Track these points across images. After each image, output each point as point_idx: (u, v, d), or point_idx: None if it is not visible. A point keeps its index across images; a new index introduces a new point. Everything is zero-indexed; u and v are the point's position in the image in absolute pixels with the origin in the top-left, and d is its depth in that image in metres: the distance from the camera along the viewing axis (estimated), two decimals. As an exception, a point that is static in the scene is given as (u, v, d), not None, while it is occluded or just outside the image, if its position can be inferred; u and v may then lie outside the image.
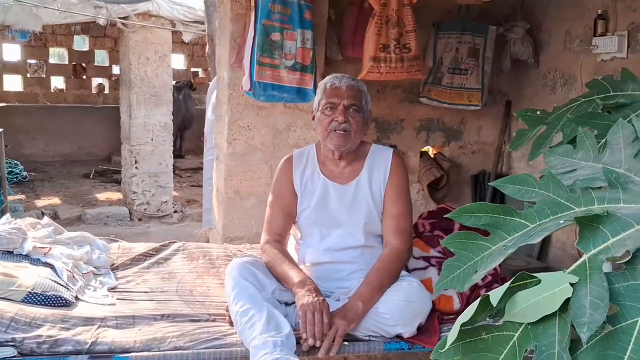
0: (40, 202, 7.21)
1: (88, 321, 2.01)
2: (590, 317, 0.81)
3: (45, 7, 5.53)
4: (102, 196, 7.85)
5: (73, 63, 12.08)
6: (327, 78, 2.34)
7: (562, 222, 0.96)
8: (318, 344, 1.94)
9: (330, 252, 2.28)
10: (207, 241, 4.06)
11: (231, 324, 2.11)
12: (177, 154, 9.57)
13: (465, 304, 2.27)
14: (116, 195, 7.80)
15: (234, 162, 3.50)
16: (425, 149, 4.30)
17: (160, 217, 7.15)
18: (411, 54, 3.34)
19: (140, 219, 7.00)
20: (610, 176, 0.98)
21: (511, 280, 0.91)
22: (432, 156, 4.29)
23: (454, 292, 2.32)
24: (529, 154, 4.17)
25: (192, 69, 13.22)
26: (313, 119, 2.37)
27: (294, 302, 2.23)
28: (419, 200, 4.17)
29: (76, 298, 2.18)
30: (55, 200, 7.41)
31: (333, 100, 2.25)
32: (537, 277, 0.90)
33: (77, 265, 2.38)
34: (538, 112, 1.62)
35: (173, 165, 7.54)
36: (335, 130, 2.23)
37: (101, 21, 6.21)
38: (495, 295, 0.90)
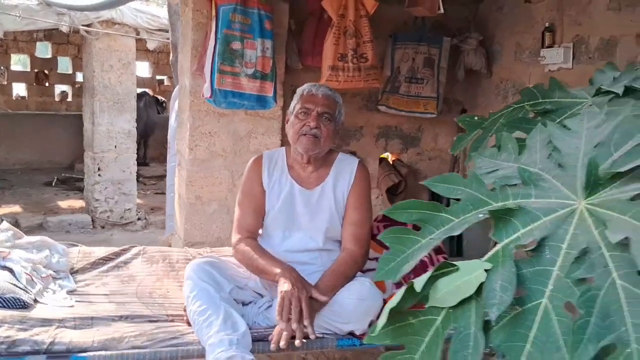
0: (1, 210, 7.11)
1: (46, 322, 2.04)
2: (500, 298, 0.91)
3: (6, 13, 5.49)
4: (64, 204, 7.77)
5: (35, 70, 11.92)
6: (305, 85, 2.43)
7: (480, 215, 1.06)
8: (294, 327, 1.99)
9: (289, 253, 2.34)
10: (169, 246, 4.09)
11: (189, 324, 2.17)
12: (141, 162, 9.54)
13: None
14: (79, 203, 7.73)
15: (195, 168, 3.55)
16: (384, 155, 4.42)
17: (124, 224, 7.12)
18: (368, 63, 3.46)
19: (103, 227, 6.96)
20: (524, 175, 1.08)
21: (434, 268, 1.00)
22: (390, 162, 4.41)
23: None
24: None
25: (158, 77, 13.17)
26: (287, 122, 2.45)
27: (250, 302, 2.31)
28: (378, 205, 4.28)
29: (35, 301, 2.21)
30: (16, 208, 7.32)
31: (308, 106, 2.33)
32: (456, 265, 0.99)
33: (35, 269, 2.41)
34: (476, 118, 1.73)
35: (137, 172, 7.52)
36: (306, 135, 2.31)
37: (64, 28, 6.18)
38: (420, 282, 0.99)
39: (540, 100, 1.56)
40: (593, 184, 1.06)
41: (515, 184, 1.09)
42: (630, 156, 1.06)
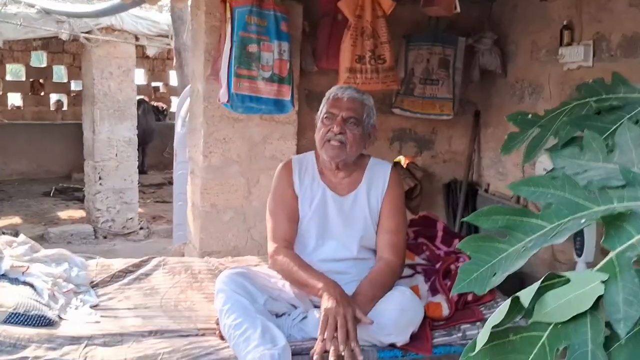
0: (0, 222, 6.98)
1: (74, 340, 1.95)
2: (625, 313, 0.82)
3: (7, 22, 5.37)
4: (64, 214, 7.65)
5: (31, 79, 11.78)
6: (333, 88, 2.34)
7: (583, 221, 0.97)
8: (341, 348, 1.86)
9: (323, 263, 2.24)
10: (183, 256, 3.99)
11: (221, 337, 2.08)
12: (140, 170, 9.43)
13: (454, 310, 2.29)
14: (78, 213, 7.62)
15: (210, 176, 3.45)
16: (397, 159, 4.33)
17: (126, 234, 7.02)
18: (386, 64, 3.38)
19: (105, 237, 6.85)
20: (628, 175, 1.00)
21: (541, 280, 0.92)
22: (404, 166, 4.33)
23: (442, 299, 2.33)
24: (499, 161, 4.17)
25: (153, 84, 13.06)
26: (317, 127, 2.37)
27: (284, 314, 2.21)
28: (394, 210, 4.19)
29: (59, 317, 2.11)
30: (16, 220, 7.20)
31: (333, 111, 2.25)
32: (565, 277, 0.91)
33: (56, 284, 2.31)
34: (529, 116, 1.65)
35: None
36: (330, 141, 2.22)
37: (64, 36, 6.07)
38: (526, 295, 0.91)
39: (605, 96, 1.48)
40: None
41: (616, 187, 1.01)
42: None
